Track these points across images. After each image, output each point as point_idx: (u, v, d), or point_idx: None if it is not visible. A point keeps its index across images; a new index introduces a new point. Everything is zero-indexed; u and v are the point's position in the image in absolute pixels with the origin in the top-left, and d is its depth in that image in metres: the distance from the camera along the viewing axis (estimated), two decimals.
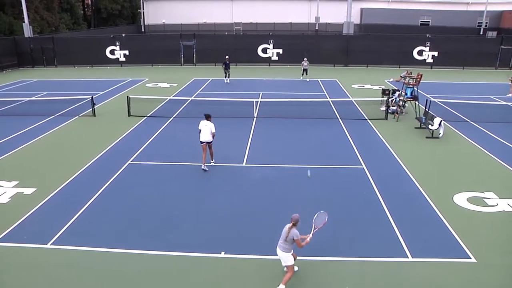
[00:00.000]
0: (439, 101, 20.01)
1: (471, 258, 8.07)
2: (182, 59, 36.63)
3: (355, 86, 26.44)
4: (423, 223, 9.40)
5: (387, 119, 18.32)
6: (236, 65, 33.97)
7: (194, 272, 7.71)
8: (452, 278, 7.53)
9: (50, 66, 36.45)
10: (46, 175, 12.11)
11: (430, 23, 64.05)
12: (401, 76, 20.44)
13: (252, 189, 11.23)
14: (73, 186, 11.40)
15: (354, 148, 14.46)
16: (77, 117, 18.80)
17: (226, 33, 47.95)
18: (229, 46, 35.33)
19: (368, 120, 18.10)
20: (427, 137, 15.67)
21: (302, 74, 28.59)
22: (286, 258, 7.01)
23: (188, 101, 21.20)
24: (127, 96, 19.31)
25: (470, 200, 10.52)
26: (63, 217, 9.59)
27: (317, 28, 61.05)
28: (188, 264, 7.95)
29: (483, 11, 57.98)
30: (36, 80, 29.90)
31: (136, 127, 17.13)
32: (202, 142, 12.26)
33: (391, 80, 26.39)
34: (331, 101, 21.14)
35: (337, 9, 60.60)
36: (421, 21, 64.66)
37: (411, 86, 18.60)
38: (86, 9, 73.31)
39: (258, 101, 20.05)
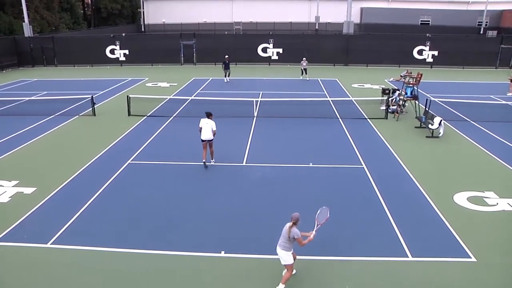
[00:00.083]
0: (439, 101, 20.01)
1: (471, 258, 8.07)
2: (182, 58, 36.61)
3: (355, 85, 26.43)
4: (423, 223, 9.39)
5: (387, 118, 18.31)
6: (236, 64, 33.96)
7: (194, 271, 7.71)
8: (452, 277, 7.53)
9: (50, 66, 36.43)
10: (46, 175, 12.11)
11: (430, 22, 64.12)
12: (401, 76, 20.40)
13: (252, 188, 11.23)
14: (73, 186, 11.41)
15: (354, 148, 14.46)
16: (77, 116, 18.80)
17: (226, 33, 47.96)
18: (229, 45, 35.31)
19: (368, 120, 18.09)
20: (427, 137, 15.67)
21: (302, 74, 28.64)
22: (286, 257, 6.99)
23: (188, 100, 21.21)
24: (127, 96, 19.31)
25: (470, 199, 10.51)
26: (63, 216, 9.59)
27: (317, 27, 61.13)
28: (188, 263, 7.94)
29: (483, 11, 58.02)
30: (36, 79, 29.89)
31: (136, 127, 17.13)
32: (203, 141, 12.26)
33: (391, 79, 26.34)
34: (331, 100, 21.13)
35: (337, 9, 60.64)
36: (421, 21, 64.70)
37: (411, 85, 18.62)
38: (86, 9, 73.30)
39: (258, 101, 20.04)
